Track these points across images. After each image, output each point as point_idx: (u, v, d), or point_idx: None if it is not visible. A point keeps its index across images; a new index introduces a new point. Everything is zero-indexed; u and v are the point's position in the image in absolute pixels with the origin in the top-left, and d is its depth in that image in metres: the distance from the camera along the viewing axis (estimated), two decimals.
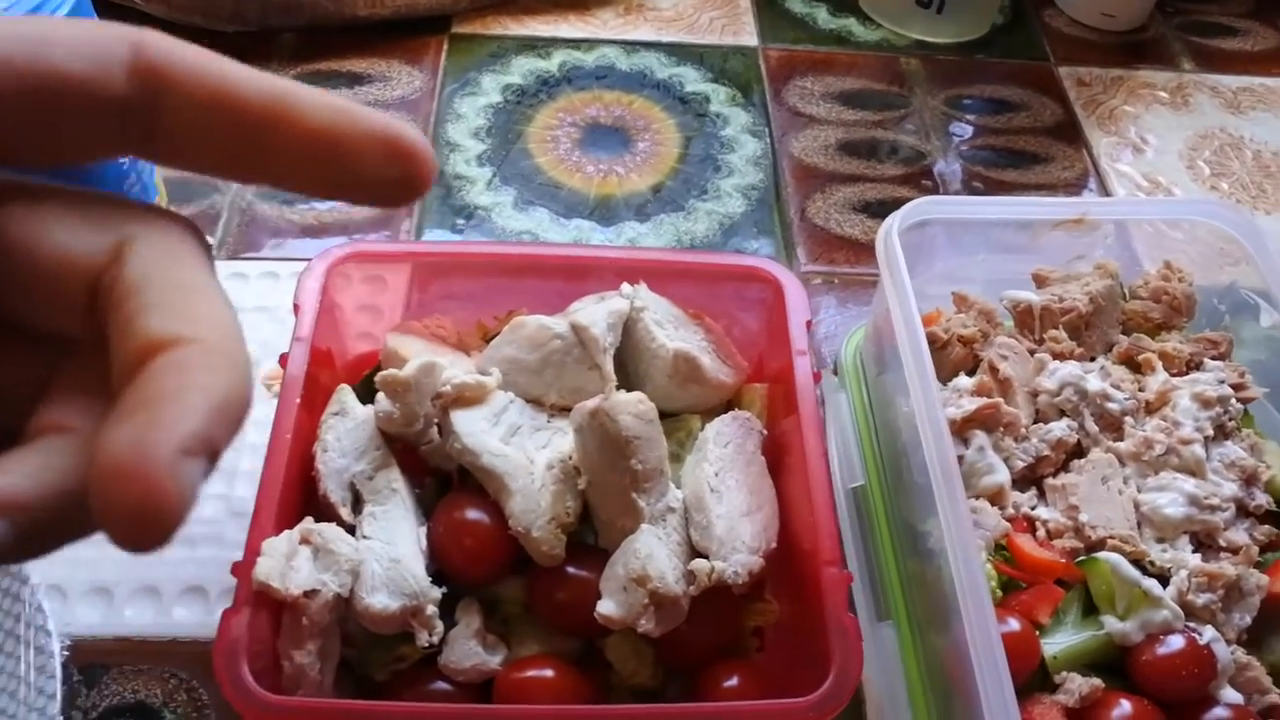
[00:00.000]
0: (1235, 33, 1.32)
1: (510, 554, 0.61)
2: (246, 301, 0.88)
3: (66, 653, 0.68)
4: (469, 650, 0.59)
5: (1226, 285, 0.81)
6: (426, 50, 1.14)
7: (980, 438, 0.70)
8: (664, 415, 0.67)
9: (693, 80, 1.14)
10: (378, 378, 0.63)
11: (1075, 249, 0.82)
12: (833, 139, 1.10)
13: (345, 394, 0.66)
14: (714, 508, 0.61)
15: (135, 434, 0.21)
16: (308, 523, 0.60)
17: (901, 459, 0.72)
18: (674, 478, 0.64)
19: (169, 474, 0.21)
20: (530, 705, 0.58)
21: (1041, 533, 0.68)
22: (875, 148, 1.10)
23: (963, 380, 0.74)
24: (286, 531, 0.59)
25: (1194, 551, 0.67)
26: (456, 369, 0.65)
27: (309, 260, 0.70)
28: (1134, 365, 0.77)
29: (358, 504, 0.63)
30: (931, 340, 0.74)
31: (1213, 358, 0.77)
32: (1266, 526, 0.69)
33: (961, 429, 0.70)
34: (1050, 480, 0.71)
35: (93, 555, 0.71)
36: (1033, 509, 0.69)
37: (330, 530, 0.60)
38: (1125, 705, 0.61)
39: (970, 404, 0.71)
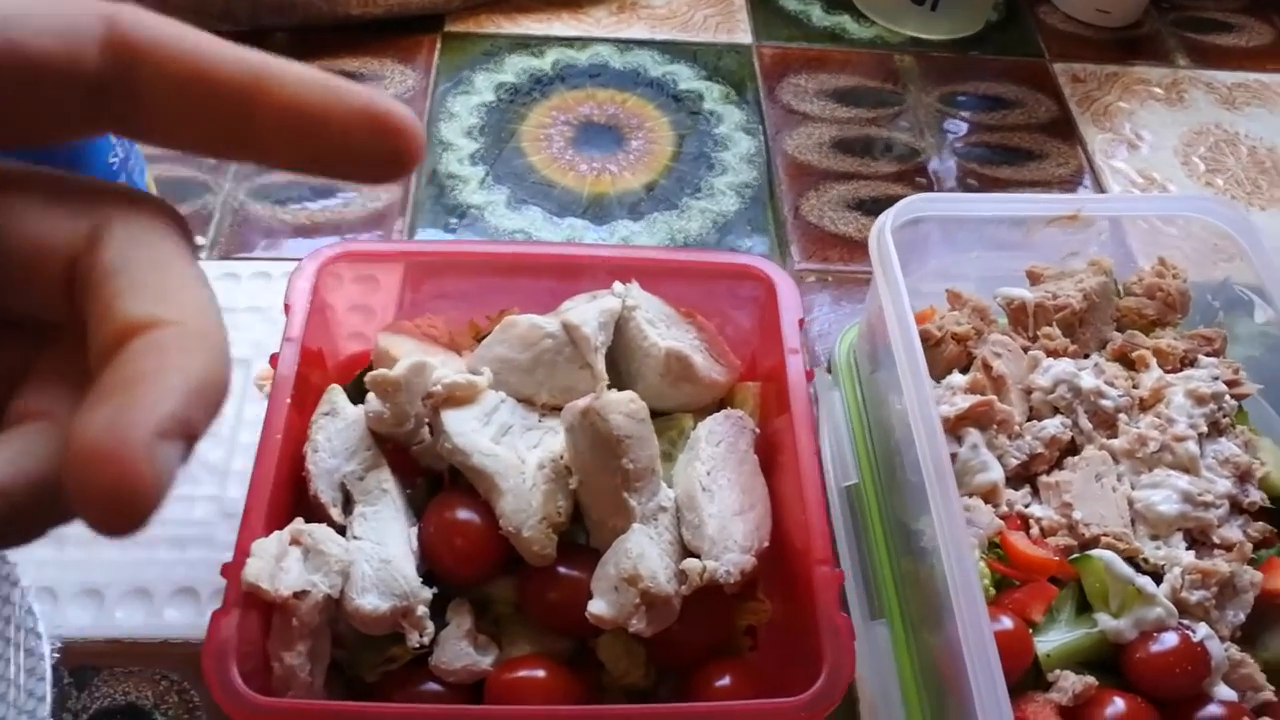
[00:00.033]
0: (1230, 28, 1.31)
1: (501, 554, 0.61)
2: (238, 302, 0.88)
3: (57, 655, 0.68)
4: (460, 651, 0.59)
5: (1221, 281, 0.81)
6: (419, 49, 1.14)
7: (974, 435, 0.70)
8: (656, 414, 0.66)
9: (686, 78, 1.14)
10: (367, 378, 0.63)
11: (1069, 246, 0.82)
12: (827, 136, 1.10)
13: (336, 394, 0.66)
14: (706, 507, 0.60)
15: (110, 416, 0.21)
16: (298, 523, 0.60)
17: (895, 457, 0.72)
18: (666, 477, 0.64)
19: (145, 456, 0.20)
20: (522, 706, 0.58)
21: (1035, 530, 0.68)
22: (869, 145, 1.10)
23: (956, 378, 0.74)
24: (276, 532, 0.59)
25: (1188, 548, 0.67)
26: (447, 368, 0.65)
27: (300, 260, 0.70)
28: (1128, 362, 0.77)
29: (348, 504, 0.63)
30: (925, 338, 0.73)
31: (1207, 354, 0.77)
32: (1260, 523, 0.69)
33: (955, 427, 0.70)
34: (1044, 478, 0.70)
35: (83, 557, 0.72)
36: (1026, 507, 0.69)
37: (320, 531, 0.59)
38: (1119, 703, 0.61)
39: (964, 401, 0.71)
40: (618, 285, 0.69)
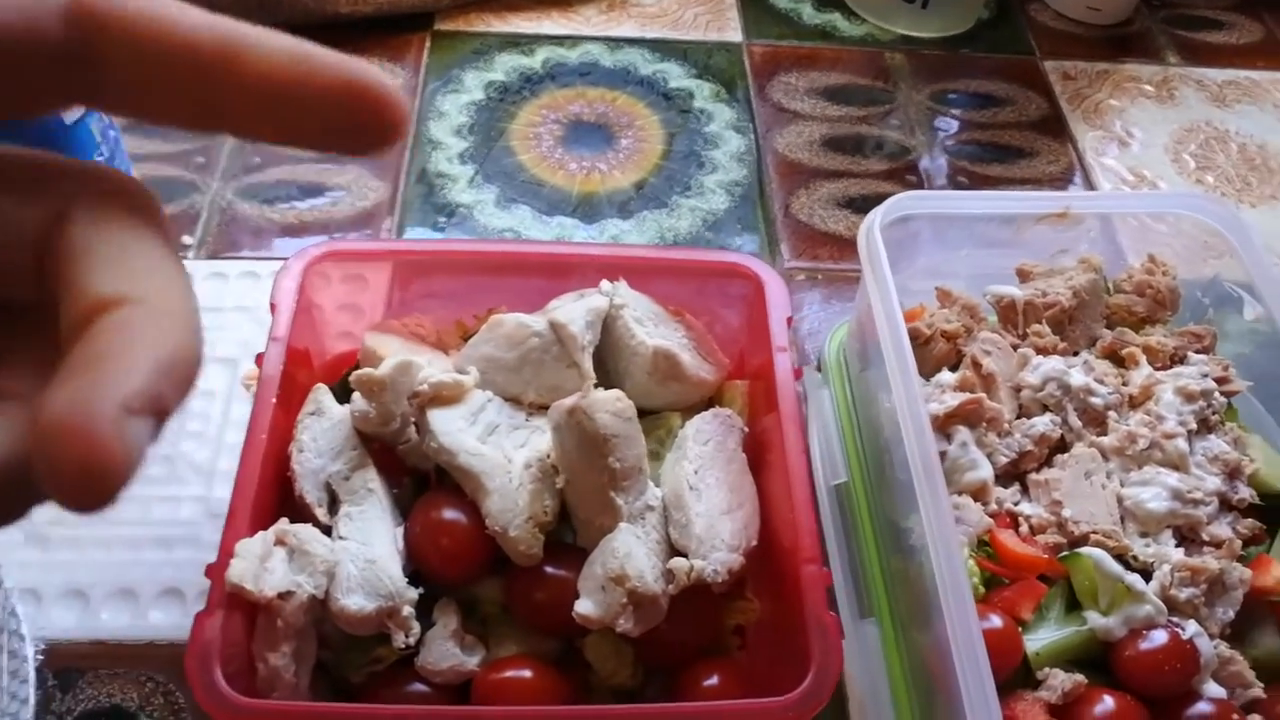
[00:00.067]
0: (1220, 26, 1.31)
1: (488, 554, 0.60)
2: (226, 301, 0.88)
3: (41, 657, 0.68)
4: (446, 651, 0.59)
5: (1210, 279, 0.80)
6: (409, 48, 1.13)
7: (963, 433, 0.70)
8: (644, 413, 0.66)
9: (676, 76, 1.14)
10: (352, 377, 0.63)
11: (1059, 243, 0.82)
12: (817, 134, 1.09)
13: (322, 393, 0.65)
14: (693, 506, 0.60)
15: (77, 393, 0.20)
16: (283, 524, 0.59)
17: (884, 455, 0.72)
18: (654, 476, 0.64)
19: (112, 432, 0.20)
20: (509, 706, 0.58)
21: (1024, 528, 0.67)
22: (860, 143, 1.09)
23: (946, 376, 0.73)
24: (261, 533, 0.58)
25: (1177, 546, 0.67)
26: (434, 368, 0.64)
27: (287, 259, 0.69)
28: (1117, 359, 0.76)
29: (334, 504, 0.63)
30: (914, 336, 0.73)
31: (1196, 351, 0.77)
32: (1250, 520, 0.69)
33: (944, 424, 0.70)
34: (1033, 475, 0.70)
35: (68, 558, 0.72)
36: (1016, 504, 0.69)
37: (305, 531, 0.59)
38: (1108, 701, 0.60)
39: (953, 399, 0.70)
40: (605, 284, 0.68)
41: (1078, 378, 0.72)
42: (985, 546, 0.66)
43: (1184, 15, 1.32)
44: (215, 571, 0.56)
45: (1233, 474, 0.70)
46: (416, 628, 0.58)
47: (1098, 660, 0.63)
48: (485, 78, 1.11)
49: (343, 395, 0.66)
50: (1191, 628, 0.62)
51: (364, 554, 0.59)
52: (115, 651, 0.70)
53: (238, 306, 0.87)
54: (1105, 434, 0.71)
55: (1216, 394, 0.73)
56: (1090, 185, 1.08)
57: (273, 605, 0.56)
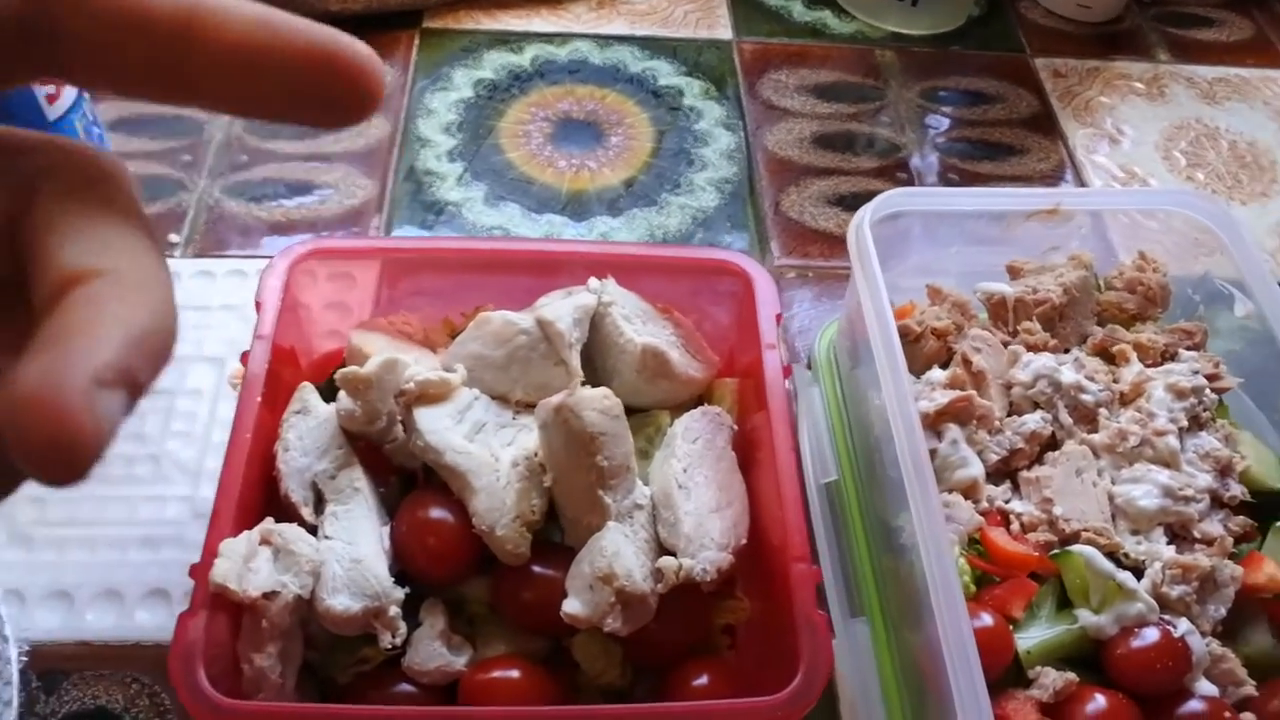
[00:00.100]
0: (1211, 23, 1.31)
1: (475, 553, 0.60)
2: (213, 300, 0.87)
3: (25, 658, 0.67)
4: (433, 651, 0.58)
5: (1201, 275, 0.80)
6: (398, 45, 1.13)
7: (954, 431, 0.70)
8: (633, 411, 0.66)
9: (666, 74, 1.14)
10: (338, 375, 0.62)
11: (1050, 240, 0.82)
12: (807, 132, 1.09)
13: (307, 392, 0.65)
14: (682, 504, 0.60)
15: (47, 366, 0.20)
16: (267, 523, 0.59)
17: (874, 453, 0.72)
18: (643, 474, 0.63)
19: (82, 404, 0.20)
20: (496, 707, 0.57)
21: (1015, 526, 0.67)
22: (850, 141, 1.09)
23: (936, 373, 0.73)
24: (246, 532, 0.58)
25: (1168, 543, 0.66)
26: (420, 366, 0.64)
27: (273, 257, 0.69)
28: (1108, 356, 0.76)
29: (320, 504, 0.62)
30: (904, 333, 0.73)
31: (1187, 348, 0.76)
32: (1241, 517, 0.69)
33: (935, 422, 0.70)
34: (1024, 473, 0.70)
35: (53, 558, 0.71)
36: (1006, 502, 0.69)
37: (291, 531, 0.59)
38: (1100, 699, 0.60)
39: (943, 397, 0.70)
40: (593, 281, 0.68)
41: (1068, 375, 0.72)
42: (976, 545, 0.66)
43: (1174, 13, 1.32)
44: (199, 572, 0.56)
45: (1224, 471, 0.70)
46: (403, 628, 0.58)
47: (1089, 658, 0.63)
48: (474, 75, 1.11)
49: (329, 394, 0.66)
50: (1183, 625, 0.62)
51: (350, 553, 0.58)
52: (100, 653, 0.69)
53: (225, 305, 0.87)
54: (1096, 431, 0.71)
55: (1207, 391, 0.73)
56: (1081, 182, 1.07)
57: (257, 605, 0.56)
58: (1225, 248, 0.77)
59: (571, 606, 0.56)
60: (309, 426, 0.63)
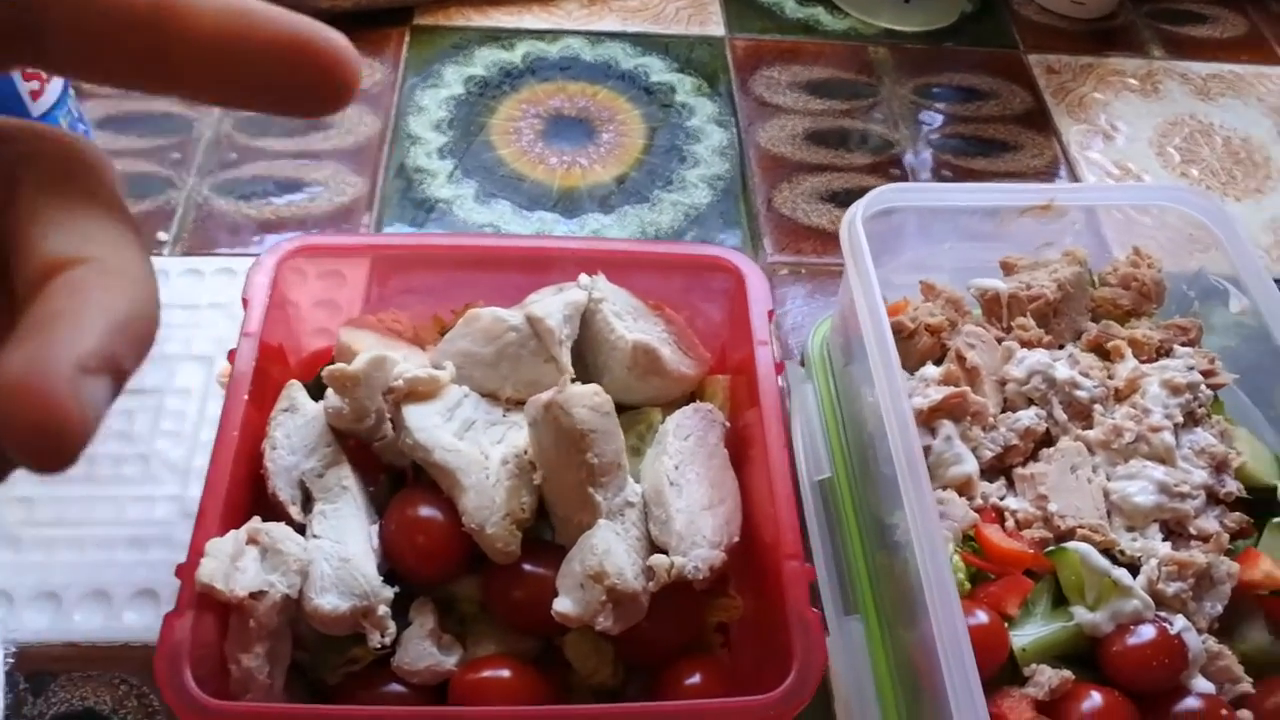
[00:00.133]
0: (1204, 19, 1.31)
1: (464, 552, 0.59)
2: (201, 298, 0.87)
3: (12, 660, 0.67)
4: (423, 651, 0.58)
5: (1196, 271, 0.80)
6: (388, 42, 1.12)
7: (948, 427, 0.69)
8: (624, 408, 0.65)
9: (658, 70, 1.13)
10: (325, 372, 0.61)
11: (1044, 236, 0.81)
12: (800, 128, 1.09)
13: (295, 390, 0.64)
14: (673, 501, 0.59)
15: (32, 353, 0.21)
16: (255, 522, 0.58)
17: (868, 450, 0.71)
18: (635, 472, 0.63)
19: (68, 391, 0.20)
20: (487, 707, 0.57)
21: (1010, 523, 0.67)
22: (843, 137, 1.09)
23: (930, 369, 0.73)
24: (232, 531, 0.57)
25: (1164, 540, 0.66)
26: (409, 363, 0.63)
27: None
28: (1103, 352, 0.76)
29: (308, 502, 0.61)
30: (898, 329, 0.73)
31: (1182, 344, 0.76)
32: (1237, 513, 0.68)
33: (928, 419, 0.69)
34: (1019, 470, 0.70)
35: (40, 559, 0.71)
36: (1001, 499, 0.68)
37: (278, 530, 0.58)
38: (1096, 697, 0.60)
39: (937, 393, 0.70)
40: (583, 277, 0.67)
41: (1063, 371, 0.72)
42: (970, 542, 0.66)
43: (1168, 9, 1.32)
44: (185, 571, 0.55)
45: (1220, 467, 0.69)
46: (392, 627, 0.57)
47: (1085, 656, 0.62)
48: (465, 72, 1.10)
49: (318, 392, 0.65)
50: (1179, 622, 0.62)
51: (338, 552, 0.58)
52: (88, 654, 0.69)
53: (213, 303, 0.86)
54: (1091, 427, 0.71)
55: (1203, 387, 0.72)
56: (1075, 179, 1.07)
57: (245, 605, 0.55)
58: (1220, 243, 0.76)
59: (562, 605, 0.56)
60: (297, 425, 0.63)
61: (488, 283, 0.72)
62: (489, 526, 0.58)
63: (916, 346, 0.74)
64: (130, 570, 0.72)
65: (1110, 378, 0.73)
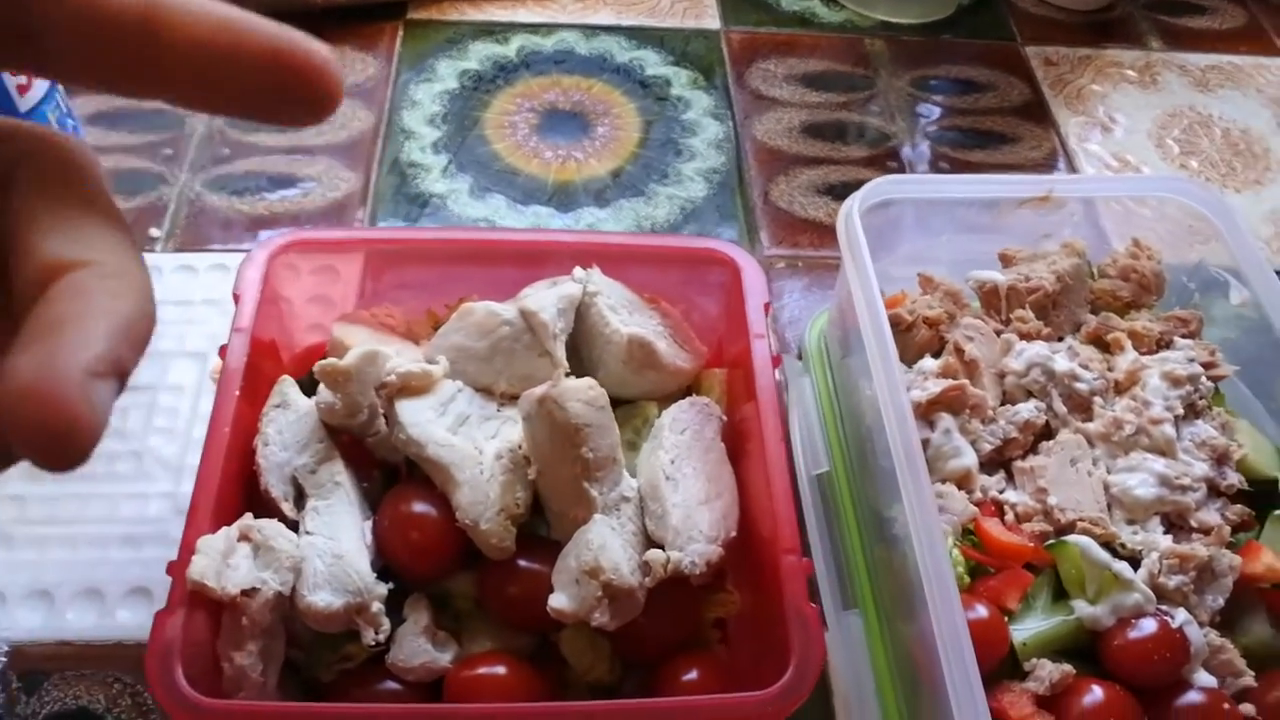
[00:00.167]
0: (1203, 11, 1.30)
1: (459, 547, 0.59)
2: (194, 294, 0.86)
3: (4, 659, 0.66)
4: (418, 648, 0.57)
5: (1196, 263, 0.79)
6: (381, 36, 1.12)
7: (946, 420, 0.69)
8: (620, 402, 0.65)
9: (653, 64, 1.12)
10: (316, 367, 0.61)
11: (1042, 228, 0.81)
12: (796, 121, 1.08)
13: (287, 385, 0.64)
14: (669, 496, 0.59)
15: (42, 359, 0.21)
16: (246, 519, 0.58)
17: (866, 444, 0.71)
18: (630, 466, 0.62)
19: (80, 395, 0.21)
20: (482, 704, 0.56)
21: (1010, 516, 0.66)
22: (840, 130, 1.08)
23: (928, 362, 0.72)
24: (224, 528, 0.57)
25: (1165, 533, 0.66)
26: (402, 358, 0.63)
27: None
28: (1103, 345, 0.75)
29: (300, 499, 0.61)
30: (896, 322, 0.72)
31: (1183, 336, 0.75)
32: (1239, 506, 0.68)
33: (927, 412, 0.69)
34: (1018, 463, 0.69)
35: (33, 557, 0.70)
36: (1001, 492, 0.68)
37: (270, 526, 0.57)
38: (1097, 691, 0.59)
39: (936, 386, 0.69)
40: (578, 271, 0.67)
41: (1062, 363, 0.71)
42: (970, 535, 0.65)
43: (1166, 0, 1.31)
44: (176, 569, 0.54)
45: (1221, 459, 0.69)
46: (386, 624, 0.57)
47: (1086, 650, 0.62)
48: (459, 66, 1.09)
49: (311, 388, 0.65)
50: (1181, 616, 0.61)
51: (331, 549, 0.57)
52: (82, 652, 0.68)
53: (206, 300, 0.85)
54: (1091, 420, 0.70)
55: (1203, 379, 0.72)
56: (1073, 171, 1.06)
57: (237, 603, 0.55)
58: (1220, 235, 0.76)
59: (558, 601, 0.55)
60: (289, 420, 0.62)
61: (482, 277, 0.72)
62: (483, 522, 0.57)
63: (915, 339, 0.74)
64: (123, 568, 0.71)
65: (1110, 370, 0.73)
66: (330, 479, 0.61)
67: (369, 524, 0.60)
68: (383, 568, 0.59)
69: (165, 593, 0.68)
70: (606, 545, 0.56)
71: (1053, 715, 0.59)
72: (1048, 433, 0.71)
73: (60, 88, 0.72)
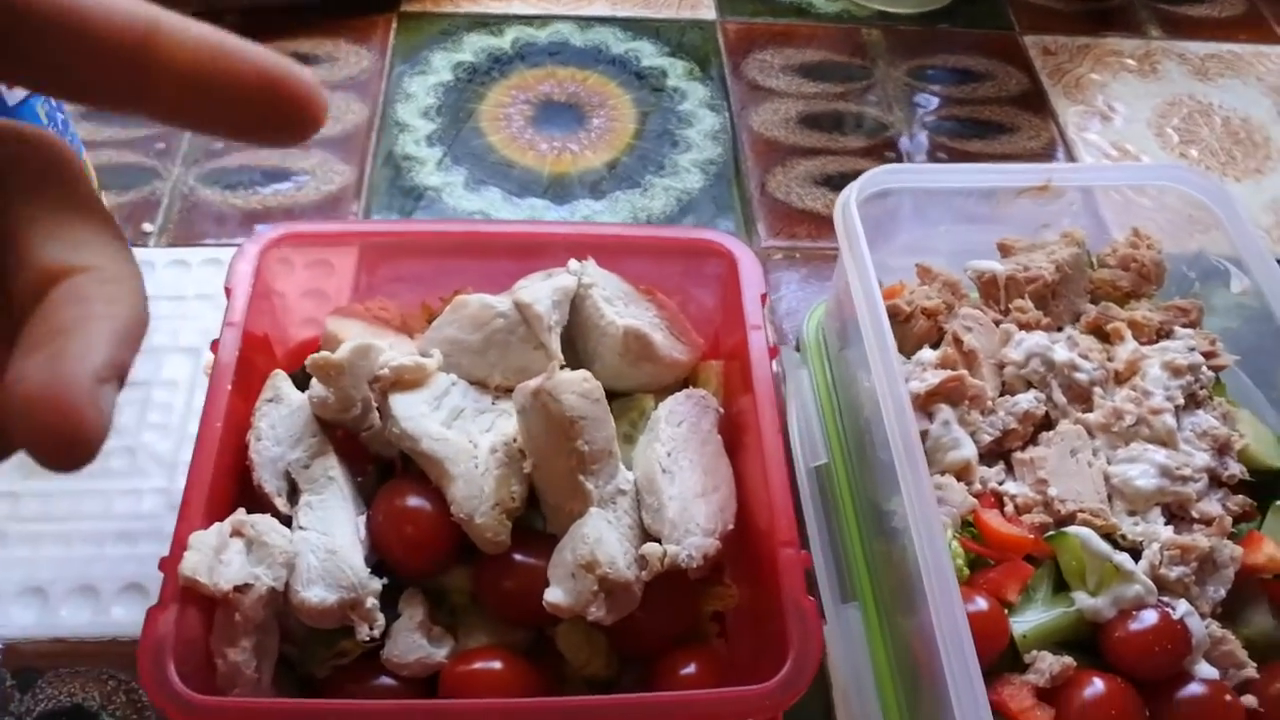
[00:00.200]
0: None
1: (454, 542, 0.58)
2: (188, 289, 0.85)
3: None
4: (413, 643, 0.57)
5: (1196, 252, 0.79)
6: (374, 29, 1.11)
7: (945, 412, 0.68)
8: (616, 395, 0.64)
9: (649, 55, 1.12)
10: (309, 361, 0.60)
11: (1041, 218, 0.80)
12: (793, 112, 1.07)
13: (280, 379, 0.63)
14: (666, 489, 0.58)
15: (52, 366, 0.22)
16: (239, 514, 0.57)
17: (865, 436, 0.70)
18: (627, 459, 0.62)
19: (89, 401, 0.22)
20: (478, 699, 0.56)
21: (1010, 508, 0.66)
22: (838, 120, 1.07)
23: (926, 353, 0.72)
24: (216, 524, 0.56)
25: (1166, 524, 0.65)
26: (396, 351, 0.62)
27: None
28: (1102, 334, 0.75)
29: (294, 494, 0.60)
30: (894, 313, 0.72)
31: (1183, 325, 0.75)
32: (1240, 496, 0.67)
33: (926, 403, 0.68)
34: (1018, 454, 0.69)
35: (27, 554, 0.70)
36: (1000, 484, 0.67)
37: (263, 522, 0.57)
38: (1098, 684, 0.59)
39: (934, 377, 0.69)
40: (573, 262, 0.66)
41: (1062, 353, 0.71)
42: (969, 527, 0.65)
43: None
44: (168, 565, 0.54)
45: (1222, 449, 0.68)
46: (381, 619, 0.56)
47: (1086, 642, 0.62)
48: (453, 58, 1.09)
49: (305, 382, 0.64)
50: (1182, 607, 0.61)
51: (325, 544, 0.57)
52: (76, 649, 0.68)
53: (200, 295, 0.85)
54: (1091, 410, 0.70)
55: (1204, 368, 0.71)
56: (1072, 160, 1.06)
57: (230, 599, 0.54)
58: (1220, 224, 0.75)
59: (554, 595, 0.55)
60: (281, 415, 0.62)
61: (477, 270, 0.71)
62: (478, 516, 0.57)
63: (913, 330, 0.73)
64: (118, 564, 0.71)
65: (1110, 360, 0.72)
66: (324, 473, 0.60)
67: (363, 519, 0.60)
68: (377, 563, 0.58)
69: (159, 589, 0.68)
70: (602, 539, 0.55)
71: (1053, 708, 0.58)
72: (1047, 423, 0.70)
73: None
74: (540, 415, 0.56)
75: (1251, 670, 0.61)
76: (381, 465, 0.64)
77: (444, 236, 0.72)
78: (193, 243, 0.90)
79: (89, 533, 0.72)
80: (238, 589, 0.54)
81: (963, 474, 0.67)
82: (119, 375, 0.23)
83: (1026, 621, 0.61)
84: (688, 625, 0.62)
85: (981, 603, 0.60)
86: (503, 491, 0.57)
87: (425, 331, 0.67)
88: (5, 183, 0.25)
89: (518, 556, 0.58)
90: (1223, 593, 0.63)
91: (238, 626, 0.55)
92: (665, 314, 0.68)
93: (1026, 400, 0.70)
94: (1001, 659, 0.60)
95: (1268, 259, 0.73)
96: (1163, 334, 0.75)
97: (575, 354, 0.66)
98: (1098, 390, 0.70)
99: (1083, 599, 0.62)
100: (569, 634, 0.58)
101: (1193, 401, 0.70)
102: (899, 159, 1.04)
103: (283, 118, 0.26)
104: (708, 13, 1.18)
